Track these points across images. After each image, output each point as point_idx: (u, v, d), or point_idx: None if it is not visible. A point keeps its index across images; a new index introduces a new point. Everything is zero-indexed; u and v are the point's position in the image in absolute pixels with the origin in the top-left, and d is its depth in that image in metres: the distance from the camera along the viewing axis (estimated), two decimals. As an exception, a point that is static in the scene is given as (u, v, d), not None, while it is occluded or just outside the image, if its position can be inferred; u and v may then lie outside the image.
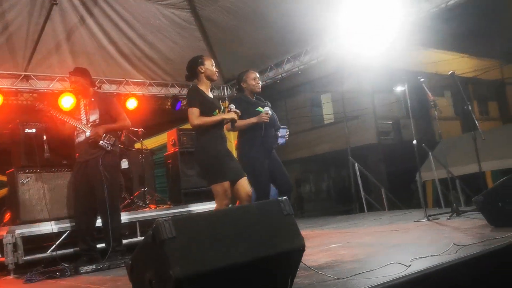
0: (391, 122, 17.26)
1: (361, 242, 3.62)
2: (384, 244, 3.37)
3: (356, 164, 7.64)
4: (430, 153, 7.50)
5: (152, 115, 8.99)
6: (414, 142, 4.99)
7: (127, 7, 7.03)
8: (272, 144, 4.29)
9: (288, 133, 4.43)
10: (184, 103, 9.07)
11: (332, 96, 16.14)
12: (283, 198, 1.95)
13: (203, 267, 1.63)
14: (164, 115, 9.24)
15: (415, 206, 12.10)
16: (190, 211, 5.94)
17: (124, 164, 6.25)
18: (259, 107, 4.25)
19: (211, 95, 3.90)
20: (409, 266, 2.21)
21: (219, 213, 1.94)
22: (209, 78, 3.86)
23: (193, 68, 3.85)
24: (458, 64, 18.87)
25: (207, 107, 3.72)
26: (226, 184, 3.62)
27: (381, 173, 15.44)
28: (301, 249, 1.90)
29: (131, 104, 8.23)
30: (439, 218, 4.54)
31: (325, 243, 3.74)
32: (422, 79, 5.23)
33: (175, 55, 8.08)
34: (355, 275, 2.17)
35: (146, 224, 5.23)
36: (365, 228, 4.77)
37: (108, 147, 4.19)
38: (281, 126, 4.43)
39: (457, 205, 4.78)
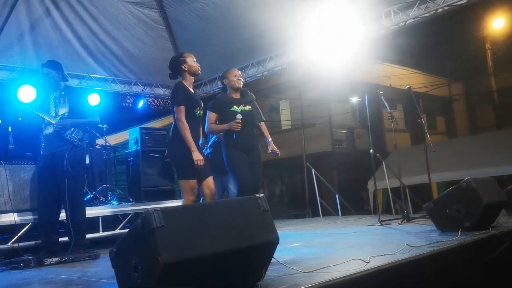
0: (345, 131, 17.81)
1: (321, 242, 3.84)
2: (342, 244, 3.60)
3: (313, 170, 7.92)
4: (383, 162, 7.88)
5: (114, 112, 8.95)
6: (371, 151, 5.28)
7: (95, 2, 7.04)
8: (250, 143, 4.32)
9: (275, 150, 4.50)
10: (146, 102, 9.09)
11: (291, 103, 16.49)
12: (261, 195, 2.12)
13: (188, 254, 1.77)
14: (126, 112, 9.22)
15: (366, 212, 12.59)
16: (152, 208, 6.00)
17: (86, 159, 6.22)
18: (234, 106, 4.29)
19: (192, 91, 3.99)
20: (368, 262, 2.42)
21: (204, 206, 2.09)
22: (193, 74, 3.94)
23: (176, 67, 3.93)
24: (411, 79, 19.72)
25: (191, 104, 3.82)
26: (194, 181, 3.74)
27: (333, 180, 15.88)
28: (275, 242, 2.08)
29: (93, 99, 8.16)
30: (391, 224, 4.85)
31: (286, 243, 3.92)
32: (381, 92, 5.52)
33: (141, 53, 8.12)
34: (320, 269, 2.37)
35: (108, 220, 5.25)
36: (323, 230, 5.01)
37: (76, 142, 4.22)
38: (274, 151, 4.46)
39: (407, 212, 5.10)
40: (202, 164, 3.70)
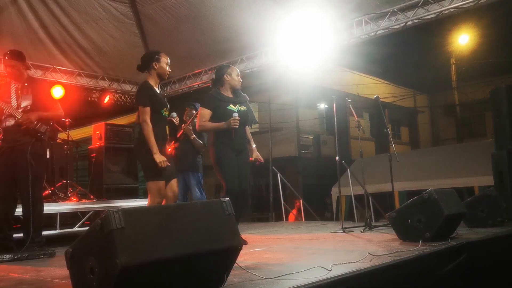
0: (312, 137, 17.96)
1: (284, 247, 3.82)
2: (305, 250, 3.59)
3: (278, 174, 7.93)
4: (348, 169, 7.96)
5: (78, 106, 8.72)
6: (337, 158, 5.30)
7: (63, -9, 6.84)
8: (241, 144, 4.26)
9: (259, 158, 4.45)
10: (112, 98, 8.89)
11: (259, 106, 16.50)
12: (226, 199, 2.08)
13: (148, 257, 1.71)
14: (91, 107, 9.00)
15: (328, 218, 12.71)
16: (114, 207, 5.86)
17: (47, 154, 6.02)
18: (231, 105, 4.21)
19: (158, 90, 3.92)
20: (330, 270, 2.41)
21: (167, 208, 2.02)
22: (160, 76, 3.88)
23: (147, 62, 3.86)
24: (378, 88, 20.10)
25: (157, 104, 3.75)
26: (161, 183, 3.69)
27: (298, 185, 15.97)
28: (238, 247, 2.03)
29: (57, 92, 7.93)
30: (353, 231, 4.88)
31: (248, 247, 3.89)
32: (349, 100, 5.57)
33: (109, 47, 7.95)
34: (282, 276, 2.34)
35: (66, 217, 5.09)
36: (286, 235, 5.00)
37: (39, 135, 4.06)
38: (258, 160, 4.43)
39: (369, 220, 5.15)
40: (165, 166, 3.63)
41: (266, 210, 14.74)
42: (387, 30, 6.49)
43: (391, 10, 6.27)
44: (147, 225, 1.77)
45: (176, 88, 9.14)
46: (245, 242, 4.15)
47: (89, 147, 7.18)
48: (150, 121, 3.68)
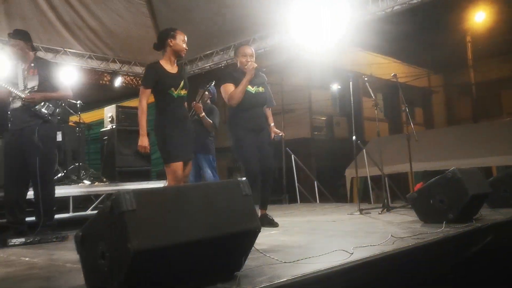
0: (325, 118, 17.75)
1: (301, 229, 3.72)
2: (323, 232, 3.48)
3: (292, 156, 7.80)
4: (364, 150, 7.81)
5: (89, 89, 8.67)
6: (354, 138, 5.16)
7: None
8: (260, 124, 4.19)
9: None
10: (123, 80, 8.79)
11: (271, 88, 16.25)
12: (243, 179, 1.96)
13: (161, 241, 1.60)
14: (102, 90, 8.93)
15: (342, 200, 12.58)
16: (127, 190, 5.79)
17: (58, 136, 5.96)
18: (248, 86, 4.11)
19: (174, 70, 3.76)
20: (352, 253, 2.30)
21: (180, 189, 1.91)
22: (176, 53, 3.76)
23: (163, 39, 3.74)
24: (391, 68, 19.72)
25: (163, 83, 3.63)
26: (175, 165, 3.60)
27: (312, 166, 15.83)
28: (256, 230, 1.92)
29: (68, 75, 7.87)
30: (370, 213, 4.75)
31: (264, 229, 3.79)
32: (365, 78, 5.40)
33: (120, 29, 7.83)
34: (302, 259, 2.23)
35: (79, 200, 5.03)
36: (302, 218, 4.90)
37: (46, 117, 3.97)
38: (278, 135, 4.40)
39: (387, 201, 5.01)
40: (142, 151, 3.63)
41: (280, 192, 14.68)
42: (404, 5, 6.26)
43: (409, -16, 6.04)
44: (160, 207, 1.67)
45: (188, 70, 9.00)
46: (276, 224, 4.09)
47: (101, 130, 7.11)
48: (158, 99, 3.63)
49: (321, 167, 16.18)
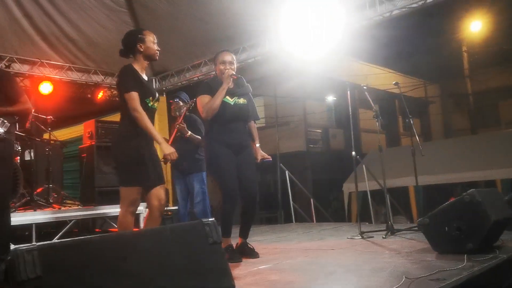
0: (320, 130, 17.29)
1: (294, 263, 3.19)
2: (321, 267, 2.96)
3: (287, 172, 7.30)
4: (363, 165, 7.33)
5: (69, 103, 8.14)
6: (353, 153, 4.67)
7: (47, -23, 6.24)
8: (240, 140, 3.70)
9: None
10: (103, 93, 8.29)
11: (265, 100, 15.83)
12: (210, 220, 1.46)
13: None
14: (83, 104, 8.40)
15: (340, 218, 12.05)
16: (103, 213, 5.25)
17: (28, 155, 5.45)
18: (227, 97, 3.65)
19: (145, 77, 3.27)
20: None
21: (117, 239, 1.39)
22: (149, 58, 3.25)
23: (130, 44, 3.24)
24: (387, 79, 19.28)
25: (142, 92, 3.11)
26: (136, 189, 3.08)
27: (307, 180, 15.34)
28: (230, 289, 1.42)
29: (45, 88, 7.40)
30: (373, 237, 4.24)
31: (252, 263, 3.28)
32: (365, 87, 4.93)
33: (101, 39, 7.33)
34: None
35: (46, 227, 4.49)
36: (296, 244, 4.37)
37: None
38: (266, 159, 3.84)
39: (391, 223, 4.49)
40: (174, 158, 3.09)
41: (275, 209, 14.13)
42: (404, 9, 5.81)
43: (408, -14, 5.61)
44: (84, 269, 1.15)
45: (175, 82, 8.53)
46: (256, 255, 3.58)
47: (79, 146, 6.58)
48: (128, 110, 3.06)
49: (317, 181, 15.68)
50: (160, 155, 3.20)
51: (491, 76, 21.36)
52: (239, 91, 3.78)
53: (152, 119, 3.24)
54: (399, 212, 10.51)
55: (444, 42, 20.33)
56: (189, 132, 5.27)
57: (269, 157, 3.84)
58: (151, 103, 3.21)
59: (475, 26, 18.42)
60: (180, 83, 8.42)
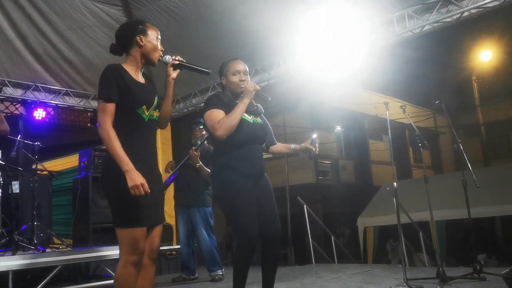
0: (329, 162, 16.64)
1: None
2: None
3: (305, 206, 6.59)
4: (394, 198, 6.58)
5: (66, 131, 7.52)
6: (390, 186, 4.00)
7: (42, -7, 5.70)
8: (260, 168, 3.00)
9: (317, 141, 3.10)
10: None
11: (273, 129, 15.22)
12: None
13: None
14: (81, 132, 7.77)
15: (356, 255, 11.20)
16: (97, 257, 4.51)
17: (14, 187, 4.78)
18: (245, 114, 2.99)
19: (141, 80, 2.57)
20: None
21: None
22: (148, 57, 2.56)
23: (127, 36, 2.55)
24: (396, 109, 18.79)
25: (130, 96, 2.41)
26: (139, 231, 2.33)
27: (318, 214, 14.53)
28: None
29: (39, 114, 6.78)
30: (422, 287, 3.50)
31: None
32: (404, 107, 4.29)
33: (101, 61, 6.74)
34: None
35: (25, 275, 3.76)
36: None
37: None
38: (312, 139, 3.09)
39: (442, 269, 3.74)
40: (142, 192, 2.25)
41: (284, 245, 13.31)
42: (436, 24, 5.24)
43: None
44: None
45: (181, 108, 7.92)
46: None
47: (74, 178, 5.90)
48: (117, 125, 2.37)
49: (328, 214, 14.90)
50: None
51: (502, 106, 20.97)
52: (253, 110, 3.13)
53: (151, 133, 2.56)
54: (420, 250, 9.73)
55: (454, 72, 19.98)
56: (200, 163, 4.73)
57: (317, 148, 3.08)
58: (146, 113, 2.47)
59: (485, 56, 18.09)
60: (186, 110, 7.82)
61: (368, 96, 17.93)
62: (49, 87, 6.91)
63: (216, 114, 2.92)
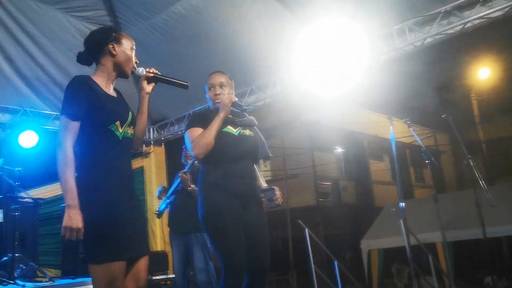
0: (330, 183, 16.37)
1: None
2: None
3: (306, 230, 6.29)
4: (401, 220, 6.28)
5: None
6: (393, 209, 3.72)
7: (29, 15, 5.53)
8: (249, 187, 2.72)
9: (277, 194, 2.85)
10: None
11: (272, 151, 14.99)
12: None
13: None
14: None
15: (360, 278, 10.83)
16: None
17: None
18: (228, 127, 2.78)
19: (113, 93, 2.33)
20: None
21: None
22: (121, 69, 2.32)
23: (98, 44, 2.31)
24: (396, 128, 18.59)
25: (102, 115, 2.16)
26: (118, 265, 2.03)
27: (319, 238, 14.20)
28: None
29: (28, 140, 6.52)
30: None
31: None
32: (408, 122, 4.05)
33: (91, 83, 6.54)
34: None
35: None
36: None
37: None
38: (266, 188, 2.90)
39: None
40: (73, 238, 1.96)
41: (285, 269, 12.92)
42: (438, 36, 5.04)
43: (443, 11, 4.85)
44: None
45: (175, 130, 7.70)
46: None
47: (61, 205, 5.62)
48: (88, 144, 2.12)
49: (330, 237, 14.56)
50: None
51: (502, 123, 20.87)
52: (242, 121, 2.89)
53: (127, 153, 2.29)
54: (427, 272, 9.37)
55: (452, 88, 19.90)
56: (192, 186, 4.46)
57: (279, 200, 2.85)
58: (120, 129, 2.21)
59: (483, 73, 18.02)
60: (180, 132, 7.59)
61: (367, 115, 17.77)
62: (38, 111, 6.68)
63: (193, 133, 2.73)
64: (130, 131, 2.26)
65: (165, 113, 7.67)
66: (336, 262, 6.52)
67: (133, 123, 2.28)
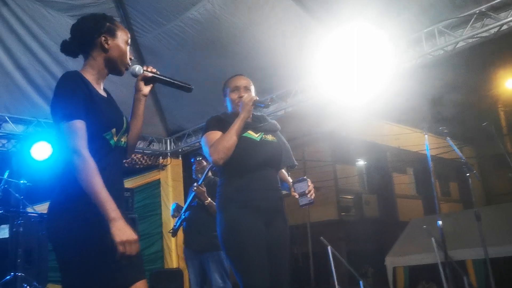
0: (352, 197, 15.91)
1: None
2: None
3: (329, 247, 5.94)
4: (432, 238, 5.89)
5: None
6: (440, 222, 3.36)
7: (41, 22, 5.36)
8: (273, 201, 2.44)
9: (310, 186, 2.54)
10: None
11: (293, 164, 14.67)
12: None
13: None
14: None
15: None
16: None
17: (3, 232, 4.27)
18: (249, 132, 2.52)
19: (103, 93, 2.02)
20: None
21: None
22: (113, 65, 2.01)
23: (88, 33, 1.97)
24: (420, 140, 18.07)
25: (98, 120, 1.84)
26: None
27: (341, 253, 13.74)
28: None
29: (42, 152, 6.32)
30: None
31: None
32: (446, 131, 3.70)
33: (105, 92, 6.35)
34: None
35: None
36: None
37: None
38: (297, 179, 2.59)
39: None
40: (132, 252, 1.66)
41: (306, 286, 12.50)
42: (471, 40, 4.69)
43: (477, 12, 4.50)
44: None
45: (192, 142, 7.46)
46: None
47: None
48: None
49: (353, 252, 14.09)
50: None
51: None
52: (264, 126, 2.62)
53: (119, 164, 1.98)
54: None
55: (478, 100, 19.35)
56: (209, 199, 4.16)
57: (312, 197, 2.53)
58: (115, 138, 1.92)
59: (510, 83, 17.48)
60: (198, 143, 7.32)
61: (389, 127, 17.33)
62: (51, 122, 6.49)
63: (211, 136, 2.47)
64: (124, 139, 1.97)
65: (182, 124, 7.44)
66: (361, 282, 6.12)
67: (127, 131, 2.00)
